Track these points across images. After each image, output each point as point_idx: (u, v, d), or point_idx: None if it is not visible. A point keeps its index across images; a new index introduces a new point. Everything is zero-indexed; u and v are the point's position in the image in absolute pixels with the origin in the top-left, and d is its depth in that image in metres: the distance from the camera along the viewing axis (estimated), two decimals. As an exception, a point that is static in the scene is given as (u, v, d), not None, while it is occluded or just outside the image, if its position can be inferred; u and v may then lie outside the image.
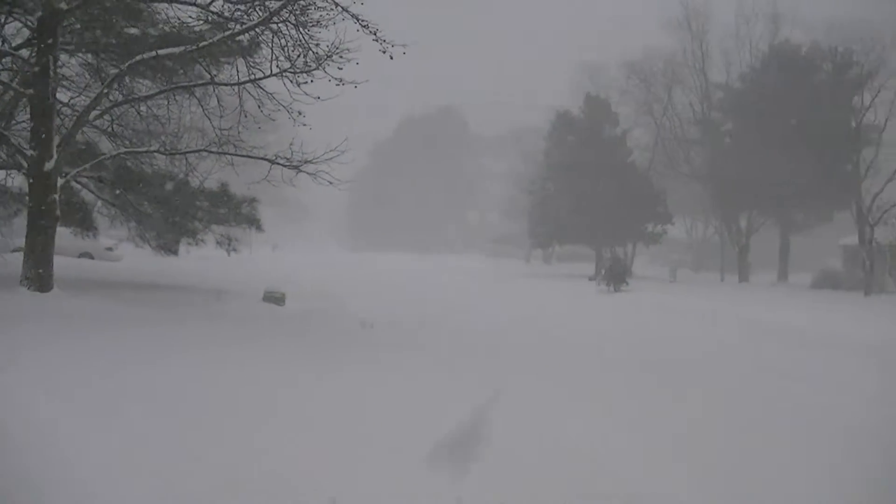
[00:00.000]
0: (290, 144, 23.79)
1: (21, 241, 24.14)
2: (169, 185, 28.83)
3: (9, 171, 27.18)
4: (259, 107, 23.87)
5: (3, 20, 24.08)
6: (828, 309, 42.90)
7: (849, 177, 65.93)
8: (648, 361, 21.38)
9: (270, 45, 23.22)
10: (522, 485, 9.62)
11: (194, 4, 24.62)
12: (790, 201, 72.96)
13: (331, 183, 23.83)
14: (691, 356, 23.16)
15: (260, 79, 23.73)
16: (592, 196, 74.44)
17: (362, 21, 21.30)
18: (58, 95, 23.50)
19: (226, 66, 25.95)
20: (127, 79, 25.47)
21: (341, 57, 22.43)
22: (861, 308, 45.44)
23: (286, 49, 22.98)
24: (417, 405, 13.29)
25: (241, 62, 24.94)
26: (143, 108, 27.05)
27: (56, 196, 22.30)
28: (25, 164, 22.60)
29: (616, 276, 57.15)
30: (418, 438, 11.00)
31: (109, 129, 27.38)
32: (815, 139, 65.55)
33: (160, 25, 25.61)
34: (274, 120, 24.29)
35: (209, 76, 25.18)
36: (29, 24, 23.95)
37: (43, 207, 21.95)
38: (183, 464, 9.17)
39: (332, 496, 8.65)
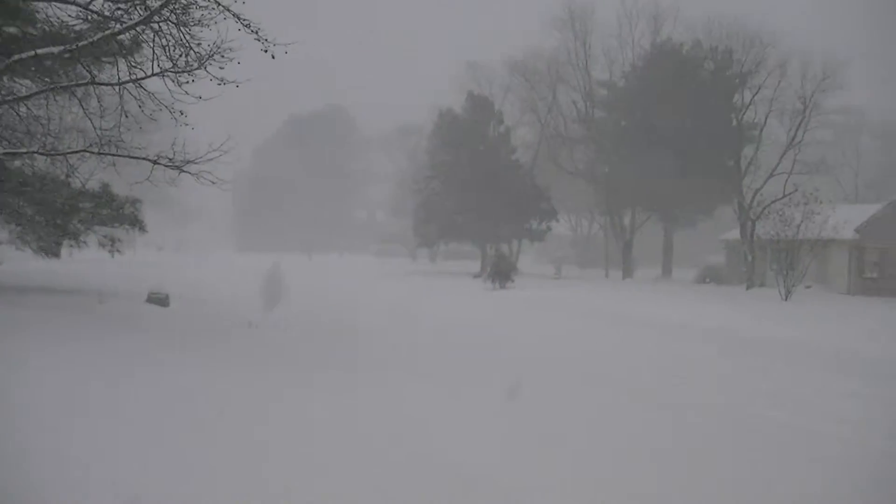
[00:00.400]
0: (173, 145, 23.44)
1: None
2: (50, 187, 28.26)
3: None
4: (140, 107, 23.46)
5: None
6: (702, 303, 44.01)
7: (730, 173, 67.05)
8: (508, 360, 22.24)
9: (152, 44, 22.77)
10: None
11: (74, 3, 24.04)
12: (673, 198, 74.04)
13: (213, 183, 23.51)
14: (555, 354, 23.90)
15: (141, 79, 23.25)
16: (477, 194, 74.55)
17: (244, 20, 21.06)
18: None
19: (107, 65, 25.41)
20: (5, 79, 24.85)
21: (223, 56, 22.16)
22: (734, 301, 46.47)
23: (168, 48, 22.54)
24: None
25: (122, 62, 24.51)
26: (22, 108, 26.43)
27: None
28: None
29: (501, 273, 57.38)
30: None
31: (-13, 131, 26.76)
32: (697, 136, 66.55)
33: (40, 24, 25.05)
34: (155, 120, 23.82)
35: (90, 76, 24.69)
36: None
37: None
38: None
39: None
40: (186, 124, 22.94)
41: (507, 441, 12.48)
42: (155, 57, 22.59)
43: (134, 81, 23.37)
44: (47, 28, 24.81)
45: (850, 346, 27.10)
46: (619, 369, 21.12)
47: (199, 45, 22.28)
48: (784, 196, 56.05)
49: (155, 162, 23.58)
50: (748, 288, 59.03)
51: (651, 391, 17.88)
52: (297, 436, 11.67)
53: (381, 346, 23.22)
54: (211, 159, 23.03)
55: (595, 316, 37.37)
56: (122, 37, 23.20)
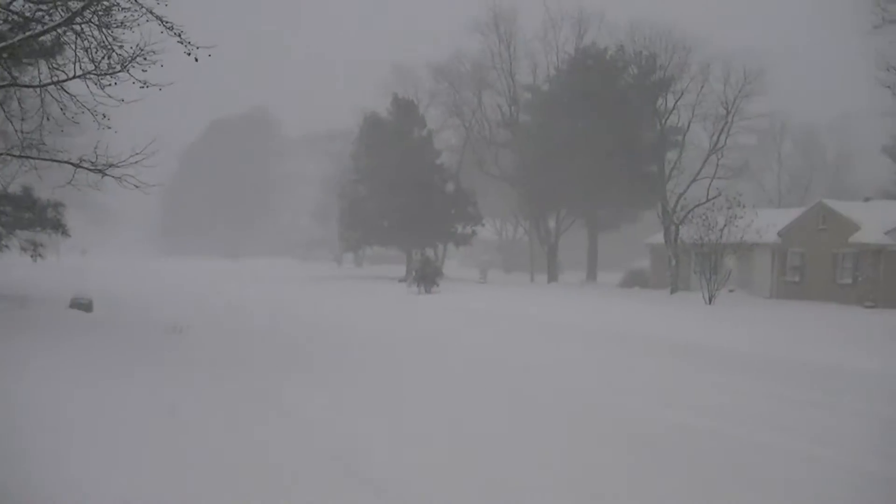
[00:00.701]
0: (95, 148, 23.10)
1: None
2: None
3: None
4: (62, 109, 23.07)
5: None
6: (624, 307, 44.45)
7: (654, 178, 67.52)
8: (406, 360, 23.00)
9: (74, 46, 22.43)
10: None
11: (-7, 5, 23.72)
12: (597, 202, 74.44)
13: (137, 187, 23.22)
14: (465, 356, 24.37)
15: (63, 81, 22.87)
16: (402, 198, 74.26)
17: (167, 23, 20.80)
18: None
19: (28, 67, 25.06)
20: (-75, 80, 24.41)
21: (146, 59, 21.86)
22: (657, 305, 46.90)
23: (90, 51, 22.18)
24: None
25: (43, 64, 24.10)
26: (-58, 110, 25.98)
27: None
28: None
29: (426, 277, 57.28)
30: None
31: None
32: (620, 141, 66.86)
33: (-41, 26, 24.61)
34: (77, 123, 23.49)
35: (10, 78, 24.30)
36: None
37: None
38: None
39: None
40: (109, 127, 22.58)
41: (381, 439, 13.48)
42: (77, 59, 22.26)
43: (56, 84, 23.03)
44: (-34, 29, 24.35)
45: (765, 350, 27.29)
46: (507, 370, 21.51)
47: (121, 47, 21.96)
48: (707, 200, 56.46)
49: (77, 165, 23.24)
50: (672, 292, 59.43)
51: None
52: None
53: (290, 351, 23.57)
54: (134, 163, 22.74)
55: (509, 318, 37.57)
56: (43, 38, 22.81)
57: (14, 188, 28.68)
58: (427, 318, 37.95)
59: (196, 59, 20.64)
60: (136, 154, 22.55)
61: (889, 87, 33.89)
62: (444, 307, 44.20)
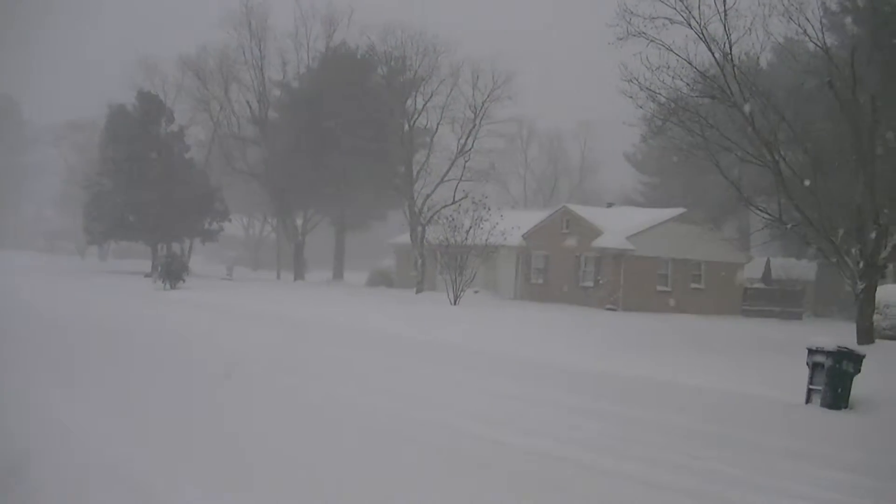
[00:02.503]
0: None
1: None
2: None
3: None
4: None
5: None
6: (368, 305, 44.70)
7: (401, 178, 67.78)
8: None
9: None
10: None
11: None
12: (344, 201, 74.42)
13: None
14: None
15: None
16: (148, 192, 72.43)
17: None
18: None
19: None
20: None
21: None
22: (401, 304, 47.16)
23: None
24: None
25: None
26: None
27: None
28: None
29: (172, 273, 56.20)
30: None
31: None
32: (369, 140, 66.95)
33: None
34: None
35: None
36: None
37: None
38: None
39: None
40: None
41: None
42: None
43: None
44: None
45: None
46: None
47: None
48: (454, 202, 57.01)
49: None
50: (418, 292, 59.85)
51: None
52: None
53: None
54: None
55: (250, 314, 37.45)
56: None
57: None
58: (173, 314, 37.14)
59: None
60: None
61: (631, 97, 34.72)
62: (188, 303, 43.34)
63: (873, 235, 29.81)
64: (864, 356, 19.06)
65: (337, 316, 37.91)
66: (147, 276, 66.97)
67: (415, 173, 67.28)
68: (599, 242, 54.35)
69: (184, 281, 56.50)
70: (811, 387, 19.24)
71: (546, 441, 13.84)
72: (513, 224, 55.41)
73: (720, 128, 33.92)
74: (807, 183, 30.58)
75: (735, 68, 32.93)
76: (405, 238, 67.29)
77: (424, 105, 67.82)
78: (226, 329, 31.06)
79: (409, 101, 68.38)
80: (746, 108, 31.80)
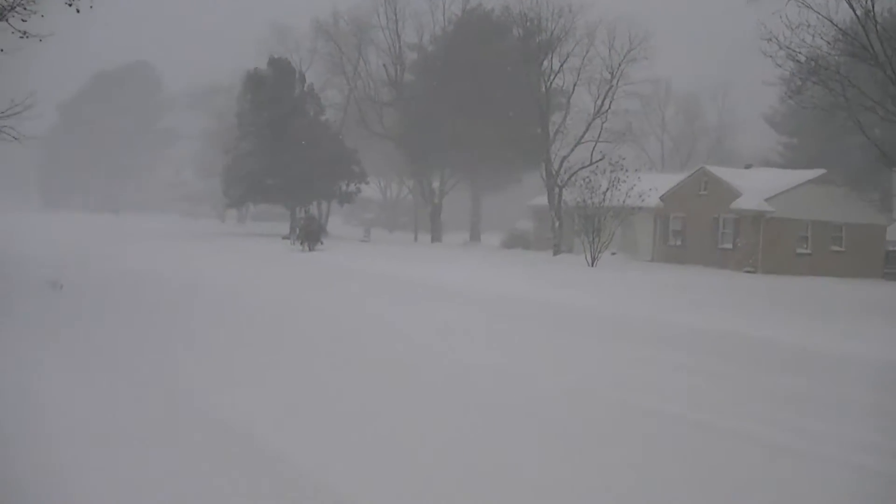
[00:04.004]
0: (-26, 99, 22.39)
1: None
2: None
3: None
4: (-59, 59, 22.21)
5: None
6: (508, 269, 44.21)
7: (538, 140, 67.53)
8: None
9: (-50, -5, 21.61)
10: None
11: None
12: (480, 163, 74.55)
13: (16, 139, 22.57)
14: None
15: (-61, 29, 22.09)
16: (285, 156, 73.55)
17: (48, -30, 20.15)
18: None
19: None
20: None
21: (25, 9, 21.13)
22: (540, 266, 47.00)
23: (-33, 0, 21.46)
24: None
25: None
26: None
27: None
28: None
29: (310, 235, 56.85)
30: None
31: None
32: (505, 102, 67.04)
33: None
34: (-43, 72, 22.72)
35: None
36: None
37: None
38: None
39: None
40: (-13, 77, 21.92)
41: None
42: (-48, 8, 21.45)
43: (-68, 31, 22.16)
44: None
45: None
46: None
47: (0, -4, 21.25)
48: (591, 163, 56.85)
49: (-46, 116, 22.56)
50: (555, 254, 59.77)
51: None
52: None
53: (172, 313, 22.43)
54: (13, 115, 22.15)
55: (393, 279, 36.91)
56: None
57: None
58: (311, 277, 37.25)
59: (78, 10, 20.01)
60: (16, 105, 21.93)
61: (770, 56, 34.22)
62: (326, 267, 43.42)
63: None
64: None
65: (495, 285, 35.72)
66: (285, 238, 67.92)
67: (551, 135, 66.98)
68: (738, 204, 53.65)
69: (321, 243, 57.11)
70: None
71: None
72: (650, 186, 54.88)
73: (862, 87, 33.27)
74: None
75: (877, 25, 32.20)
76: (542, 200, 67.11)
77: (560, 66, 67.24)
78: (400, 312, 29.12)
79: (545, 63, 67.89)
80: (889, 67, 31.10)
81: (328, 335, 19.53)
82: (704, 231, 56.36)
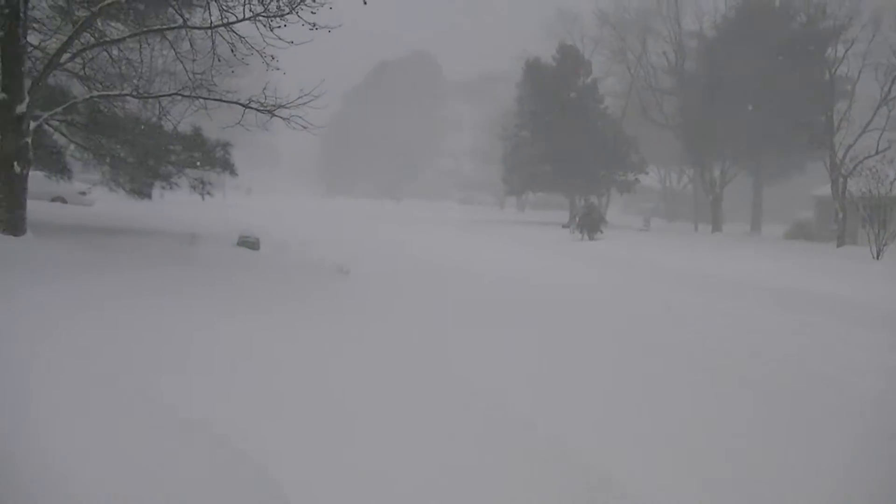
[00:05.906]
0: (264, 89, 23.65)
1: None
2: (142, 129, 28.57)
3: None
4: (232, 51, 23.53)
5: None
6: (793, 261, 42.91)
7: (822, 128, 65.89)
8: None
9: (243, -11, 22.90)
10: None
11: (166, -52, 24.32)
12: (763, 152, 73.36)
13: (304, 128, 23.74)
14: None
15: (232, 23, 23.36)
16: (565, 144, 74.23)
17: (336, -35, 21.10)
18: (28, 38, 23.19)
19: (198, 9, 25.60)
20: (98, 22, 25.07)
21: (314, 1, 22.23)
22: (821, 259, 45.61)
23: (259, -8, 22.71)
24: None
25: (213, 5, 24.58)
26: (114, 51, 26.63)
27: (28, 140, 22.11)
28: (-5, 108, 22.19)
29: (590, 223, 57.20)
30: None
31: (81, 73, 26.85)
32: (788, 90, 65.67)
33: (131, -32, 25.20)
34: (247, 64, 24.03)
35: (181, 19, 24.90)
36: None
37: (15, 151, 21.75)
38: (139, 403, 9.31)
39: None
40: (277, 69, 23.07)
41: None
42: (247, 1, 22.72)
43: (225, 25, 23.52)
44: (138, -28, 25.01)
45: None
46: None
47: (290, -11, 22.39)
48: (877, 153, 55.16)
49: (246, 106, 23.87)
50: (839, 245, 58.26)
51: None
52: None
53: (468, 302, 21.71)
54: (302, 104, 23.21)
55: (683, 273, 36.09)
56: (214, -19, 23.32)
57: (184, 128, 29.37)
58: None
59: (365, 2, 20.94)
60: (305, 95, 23.06)
61: None
62: (610, 256, 43.25)
63: None
64: None
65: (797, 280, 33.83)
66: (564, 226, 68.47)
67: (835, 123, 65.25)
68: None
69: (601, 232, 57.36)
70: None
71: None
72: (943, 176, 52.86)
73: None
74: None
75: None
76: (825, 190, 65.50)
77: (846, 53, 65.47)
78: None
79: (829, 50, 66.27)
80: None
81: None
82: None
